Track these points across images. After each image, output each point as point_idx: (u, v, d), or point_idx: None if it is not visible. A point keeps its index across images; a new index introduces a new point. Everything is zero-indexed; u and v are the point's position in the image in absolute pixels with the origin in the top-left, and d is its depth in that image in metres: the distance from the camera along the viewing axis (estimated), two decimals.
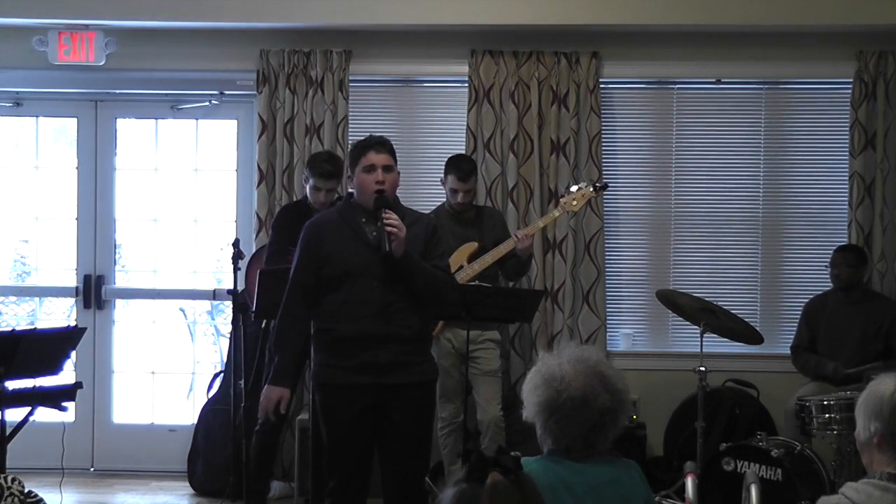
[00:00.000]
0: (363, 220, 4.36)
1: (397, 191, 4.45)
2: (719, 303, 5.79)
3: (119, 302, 7.11)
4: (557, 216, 6.00)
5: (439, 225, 5.72)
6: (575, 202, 5.83)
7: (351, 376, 4.29)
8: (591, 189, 5.90)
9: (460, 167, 5.91)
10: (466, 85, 6.56)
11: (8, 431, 5.12)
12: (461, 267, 5.78)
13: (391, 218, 4.23)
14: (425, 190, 6.54)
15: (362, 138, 4.46)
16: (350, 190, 4.50)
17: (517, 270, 5.96)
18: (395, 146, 4.46)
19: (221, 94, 6.90)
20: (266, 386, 4.45)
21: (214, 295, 6.81)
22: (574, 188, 5.92)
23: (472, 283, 5.68)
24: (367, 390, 4.28)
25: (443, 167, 6.03)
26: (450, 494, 2.06)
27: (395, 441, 4.35)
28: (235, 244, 5.57)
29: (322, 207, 5.71)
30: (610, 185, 6.23)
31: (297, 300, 4.38)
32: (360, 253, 4.29)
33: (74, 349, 5.46)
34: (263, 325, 5.66)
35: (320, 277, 4.34)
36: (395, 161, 4.41)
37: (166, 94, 6.94)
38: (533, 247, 6.00)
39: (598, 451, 2.78)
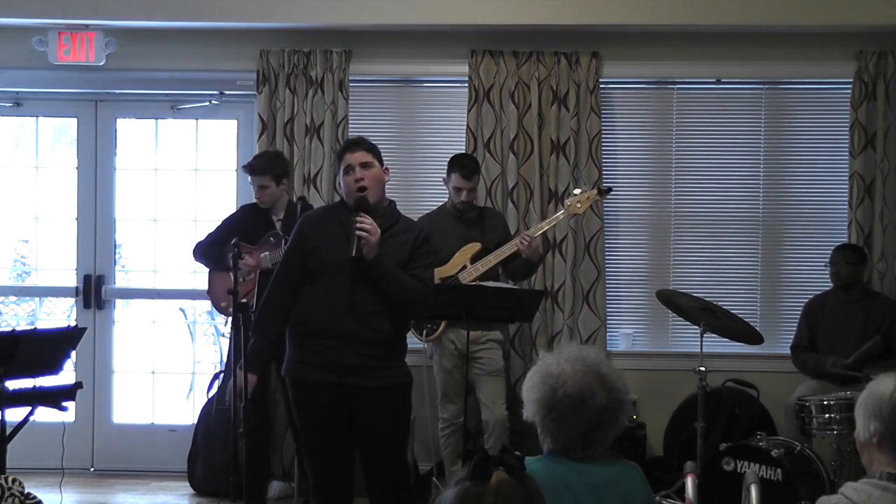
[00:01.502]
0: (352, 218, 4.39)
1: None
2: (719, 303, 5.79)
3: (119, 302, 7.11)
4: (561, 218, 5.99)
5: (442, 225, 5.77)
6: (579, 205, 5.82)
7: (317, 373, 4.33)
8: (596, 192, 5.90)
9: (464, 165, 5.92)
10: (466, 85, 6.56)
11: (8, 431, 5.11)
12: (464, 267, 5.79)
13: (364, 222, 4.26)
14: (425, 190, 6.54)
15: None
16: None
17: (524, 272, 5.96)
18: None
19: (221, 94, 6.90)
20: (238, 371, 4.54)
21: None
22: (578, 191, 5.91)
23: (473, 283, 5.68)
24: (331, 389, 4.32)
25: (442, 167, 6.04)
26: (452, 493, 2.06)
27: (370, 443, 4.38)
28: (235, 244, 5.56)
29: (264, 205, 6.07)
30: (610, 186, 6.21)
31: (281, 289, 4.44)
32: (341, 250, 4.32)
33: (74, 349, 5.45)
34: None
35: (304, 270, 4.39)
36: (377, 156, 4.44)
37: (166, 94, 6.95)
38: (540, 249, 6.00)
39: (598, 450, 2.78)
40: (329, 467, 4.38)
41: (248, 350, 4.52)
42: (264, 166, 6.04)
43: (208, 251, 6.06)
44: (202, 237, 6.20)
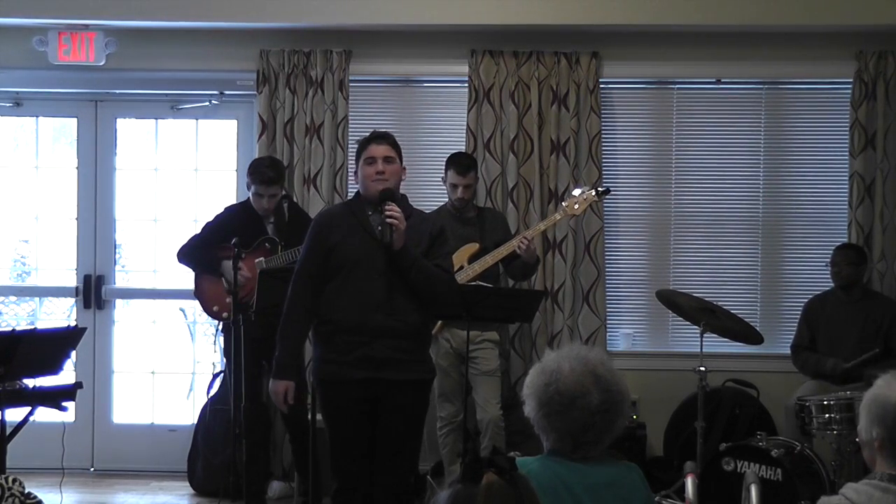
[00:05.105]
0: (370, 213, 4.43)
1: (404, 189, 4.53)
2: (719, 303, 5.79)
3: (119, 302, 7.11)
4: (559, 219, 5.99)
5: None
6: (577, 206, 5.82)
7: (348, 371, 4.33)
8: (594, 193, 5.89)
9: (459, 161, 5.95)
10: (466, 85, 6.56)
11: (8, 431, 5.11)
12: (461, 267, 5.79)
13: (393, 210, 4.29)
14: (426, 189, 6.53)
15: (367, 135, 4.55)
16: (357, 188, 4.55)
17: (523, 272, 5.97)
18: None
19: (221, 94, 6.90)
20: (270, 381, 4.50)
21: None
22: (577, 192, 5.90)
23: (473, 283, 5.68)
24: (363, 385, 4.32)
25: (443, 167, 6.04)
26: (445, 495, 2.06)
27: (389, 437, 4.37)
28: (235, 244, 5.57)
29: (265, 213, 5.96)
30: (610, 185, 6.21)
31: (304, 290, 4.44)
32: (364, 244, 4.36)
33: (74, 349, 5.45)
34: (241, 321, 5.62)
35: (326, 268, 4.39)
36: (399, 154, 4.49)
37: (166, 94, 6.95)
38: (537, 250, 6.00)
39: (593, 452, 2.75)
40: (360, 465, 4.37)
41: (277, 358, 4.48)
42: (280, 175, 5.99)
43: (194, 254, 5.98)
44: (185, 241, 6.11)
